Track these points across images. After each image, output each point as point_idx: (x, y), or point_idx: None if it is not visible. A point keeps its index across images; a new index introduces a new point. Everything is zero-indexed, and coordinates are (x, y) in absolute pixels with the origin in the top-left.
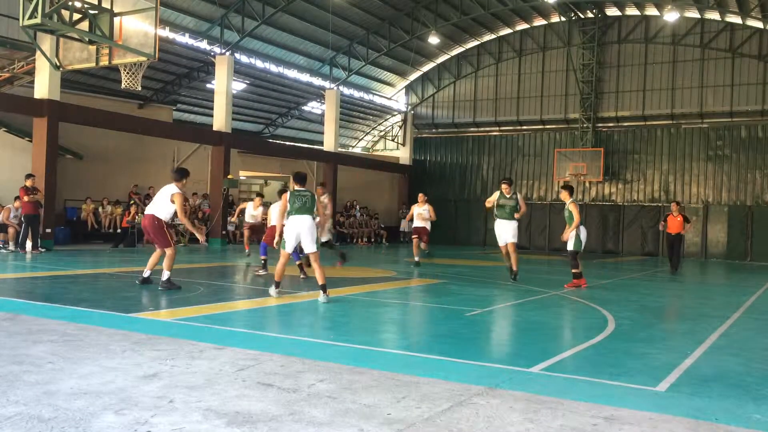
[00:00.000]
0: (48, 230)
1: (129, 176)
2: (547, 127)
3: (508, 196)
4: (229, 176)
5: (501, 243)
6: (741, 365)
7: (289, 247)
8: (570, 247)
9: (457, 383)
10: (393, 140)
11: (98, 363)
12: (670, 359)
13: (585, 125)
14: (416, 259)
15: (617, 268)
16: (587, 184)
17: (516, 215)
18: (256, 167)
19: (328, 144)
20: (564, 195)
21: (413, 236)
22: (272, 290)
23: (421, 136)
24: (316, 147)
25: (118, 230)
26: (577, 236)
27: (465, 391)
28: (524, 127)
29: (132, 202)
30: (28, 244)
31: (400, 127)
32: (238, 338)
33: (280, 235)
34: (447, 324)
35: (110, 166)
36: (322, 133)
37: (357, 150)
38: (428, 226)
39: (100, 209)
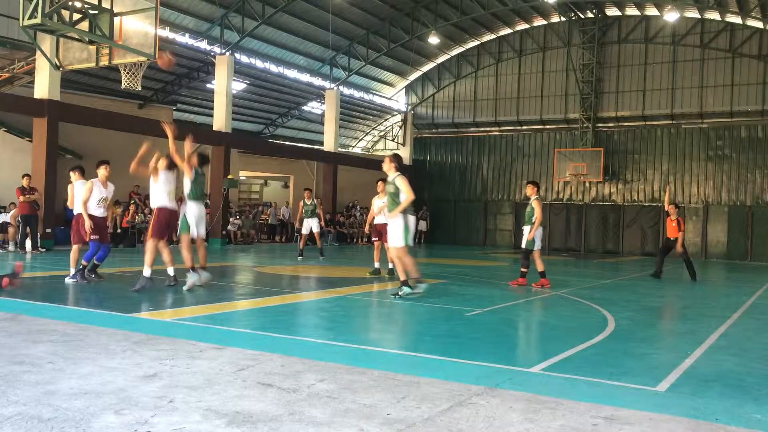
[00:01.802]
0: (48, 230)
1: (129, 176)
2: (547, 127)
3: (389, 178)
4: (229, 176)
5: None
6: (741, 365)
7: (194, 231)
8: (523, 245)
9: (457, 383)
10: (393, 140)
11: (98, 363)
12: (670, 359)
13: (585, 125)
14: (376, 265)
15: (617, 268)
16: (587, 184)
17: (388, 214)
18: (256, 167)
19: (328, 144)
20: (530, 190)
21: (374, 238)
22: (193, 278)
23: (421, 136)
24: (316, 147)
25: (119, 230)
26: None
27: (465, 391)
28: (524, 127)
29: (132, 201)
30: (28, 244)
31: (400, 127)
32: (238, 338)
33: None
34: (447, 324)
35: (110, 166)
36: (322, 133)
37: (357, 150)
38: None
39: None
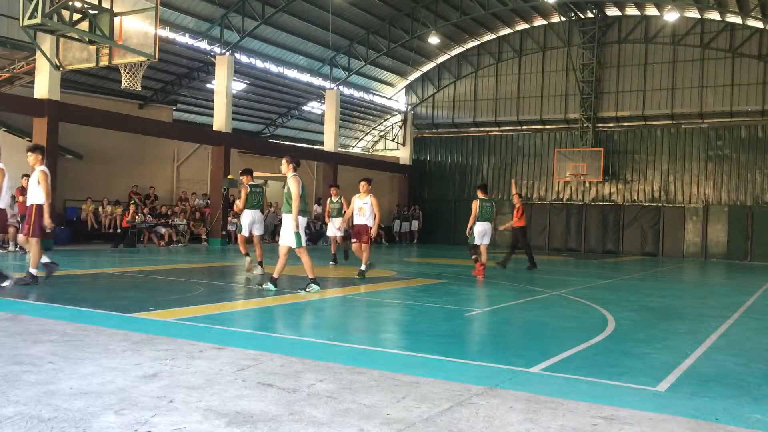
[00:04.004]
0: (48, 230)
1: (129, 176)
2: (547, 127)
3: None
4: (229, 176)
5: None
6: (741, 365)
7: (245, 231)
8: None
9: (457, 383)
10: (393, 140)
11: (98, 363)
12: (670, 359)
13: (585, 125)
14: (362, 267)
15: (617, 268)
16: (587, 184)
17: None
18: (256, 167)
19: (328, 144)
20: (480, 193)
21: (352, 240)
22: (257, 270)
23: (421, 136)
24: (316, 147)
25: (118, 230)
26: (472, 230)
27: (465, 391)
28: (524, 127)
29: (132, 201)
30: None
31: (400, 127)
32: (238, 338)
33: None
34: (447, 324)
35: (110, 166)
36: (322, 133)
37: (357, 150)
38: (371, 223)
39: (100, 209)
